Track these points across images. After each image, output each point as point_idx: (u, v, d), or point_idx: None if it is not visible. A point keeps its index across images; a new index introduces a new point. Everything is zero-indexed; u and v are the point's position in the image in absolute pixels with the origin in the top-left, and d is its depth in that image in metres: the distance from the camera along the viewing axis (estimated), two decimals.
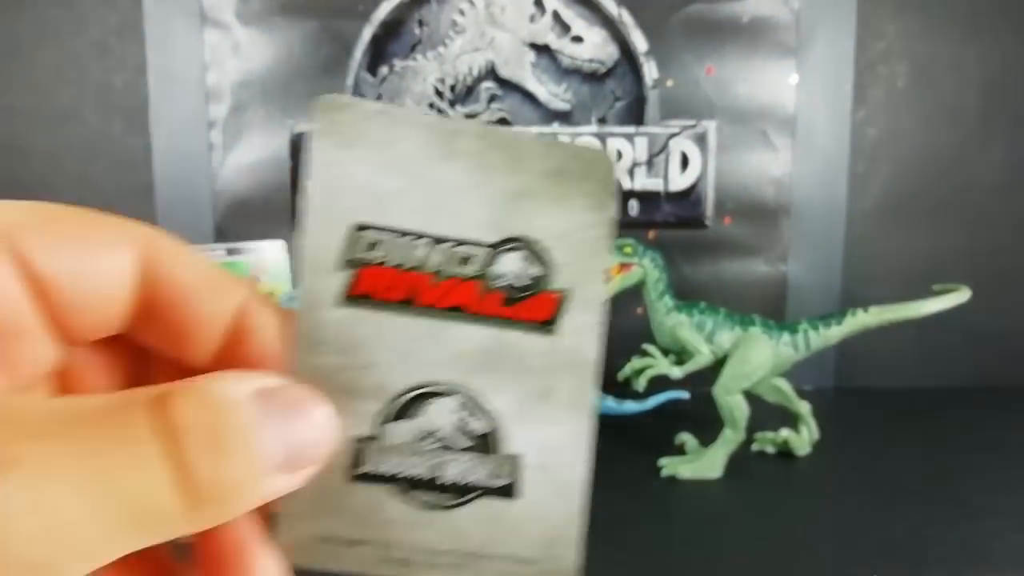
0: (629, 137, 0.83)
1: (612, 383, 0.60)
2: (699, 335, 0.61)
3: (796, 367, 0.63)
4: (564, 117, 0.83)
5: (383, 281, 0.17)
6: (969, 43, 0.83)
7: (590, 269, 0.18)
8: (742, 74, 0.83)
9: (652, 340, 0.64)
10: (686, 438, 0.65)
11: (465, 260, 0.17)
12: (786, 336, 0.62)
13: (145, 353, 0.18)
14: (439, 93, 0.82)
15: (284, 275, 0.67)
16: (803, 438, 0.64)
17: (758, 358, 0.61)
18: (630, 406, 0.70)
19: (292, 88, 0.82)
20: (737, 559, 0.48)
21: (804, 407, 0.64)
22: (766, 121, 0.83)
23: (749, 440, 0.63)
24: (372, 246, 0.17)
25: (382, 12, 0.81)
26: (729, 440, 0.60)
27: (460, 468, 0.17)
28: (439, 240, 0.17)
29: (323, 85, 0.81)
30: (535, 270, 0.18)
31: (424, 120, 0.17)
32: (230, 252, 0.60)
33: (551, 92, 0.82)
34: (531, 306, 0.18)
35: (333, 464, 0.17)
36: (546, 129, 0.83)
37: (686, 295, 0.67)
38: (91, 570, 0.13)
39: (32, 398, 0.16)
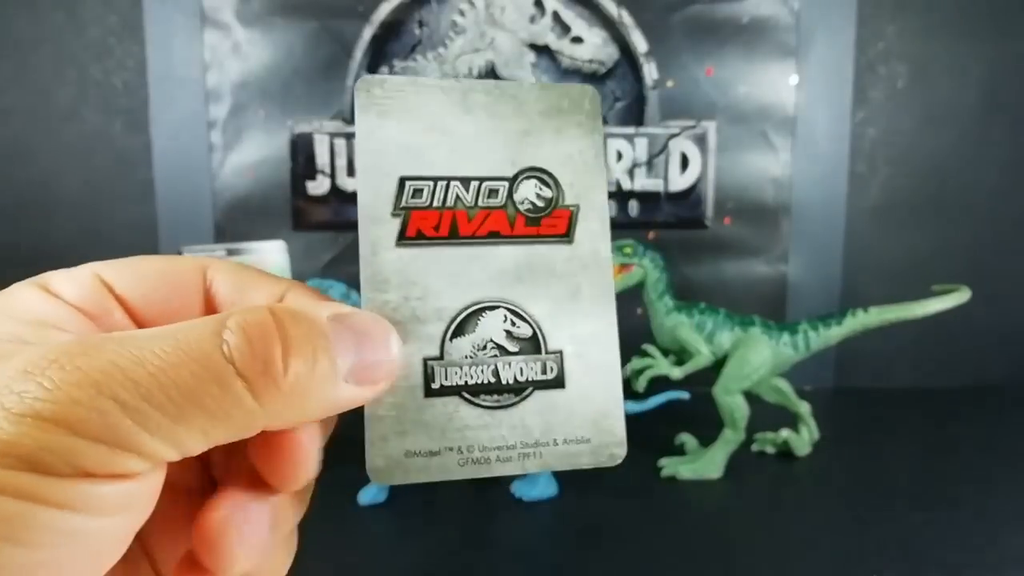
0: (629, 138, 0.83)
1: None
2: (699, 335, 0.61)
3: (796, 367, 0.63)
4: None
5: (429, 221, 0.20)
6: (969, 43, 0.83)
7: (591, 185, 0.22)
8: (742, 74, 0.83)
9: (652, 340, 0.64)
10: (686, 438, 0.65)
11: (492, 193, 0.21)
12: (786, 336, 0.62)
13: None
14: None
15: (284, 275, 0.67)
16: (803, 438, 0.64)
17: (758, 358, 0.61)
18: (630, 406, 0.70)
19: (292, 88, 0.82)
20: (737, 559, 0.48)
21: (804, 407, 0.64)
22: (766, 121, 0.83)
23: (749, 440, 0.63)
24: (416, 193, 0.21)
25: (382, 12, 0.81)
26: (729, 440, 0.60)
27: (515, 369, 0.20)
28: (469, 180, 0.21)
29: (323, 85, 0.81)
30: (548, 192, 0.21)
31: (443, 84, 0.21)
32: (230, 252, 0.60)
33: None
34: (550, 222, 0.21)
35: (408, 384, 0.20)
36: None
37: (686, 295, 0.67)
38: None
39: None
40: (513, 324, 0.20)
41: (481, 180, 0.21)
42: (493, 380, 0.20)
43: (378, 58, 0.82)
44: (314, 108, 0.81)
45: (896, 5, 0.82)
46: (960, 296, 0.61)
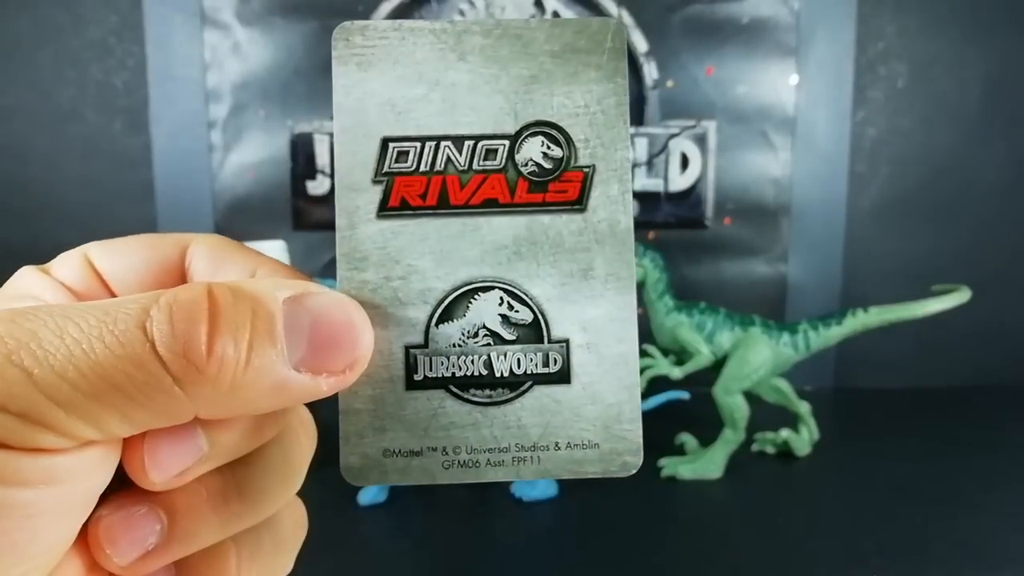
0: (629, 137, 0.83)
1: None
2: (699, 335, 0.61)
3: (796, 367, 0.63)
4: None
5: (415, 188, 0.18)
6: (969, 43, 0.83)
7: (611, 141, 0.18)
8: (742, 74, 0.83)
9: (652, 340, 0.64)
10: (686, 438, 0.65)
11: (490, 154, 0.18)
12: (786, 336, 0.62)
13: None
14: None
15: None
16: (803, 438, 0.64)
17: (758, 358, 0.60)
18: None
19: (292, 88, 0.81)
20: (737, 559, 0.48)
21: (804, 407, 0.64)
22: (766, 121, 0.83)
23: (749, 440, 0.63)
24: (401, 156, 0.18)
25: (382, 12, 0.81)
26: (729, 440, 0.60)
27: (511, 360, 0.18)
28: (462, 139, 0.18)
29: (323, 85, 0.81)
30: (557, 151, 0.18)
31: (433, 27, 0.18)
32: None
33: None
34: (559, 187, 0.18)
35: (388, 376, 0.17)
36: None
37: (686, 295, 0.67)
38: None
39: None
40: (510, 308, 0.18)
41: (477, 139, 0.18)
42: (485, 372, 0.18)
43: None
44: (314, 108, 0.81)
45: (896, 5, 0.82)
46: (960, 296, 0.61)
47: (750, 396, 0.61)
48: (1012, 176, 0.85)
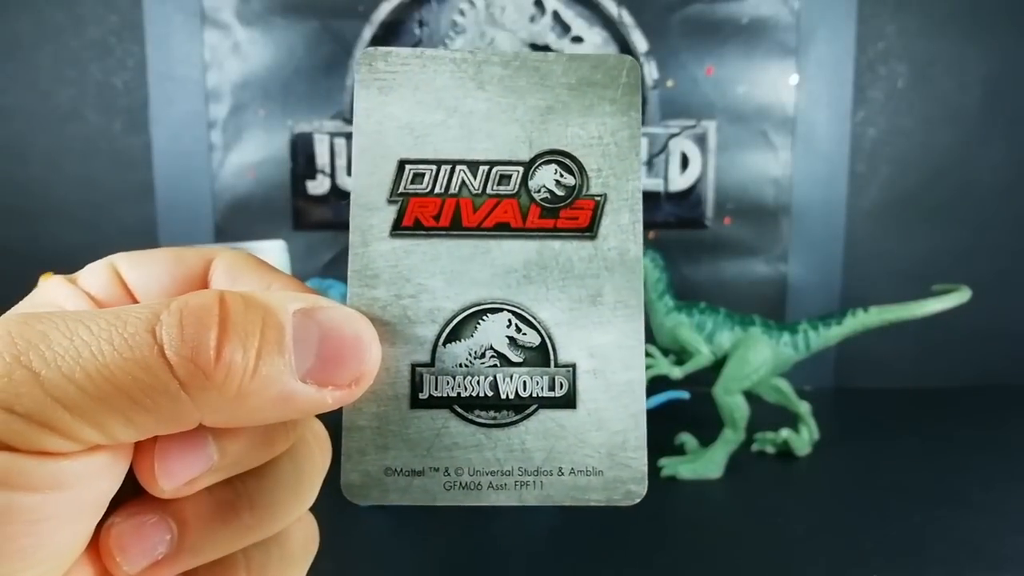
0: None
1: None
2: (699, 335, 0.61)
3: (796, 367, 0.63)
4: None
5: (429, 209, 0.18)
6: (969, 43, 0.83)
7: (622, 172, 0.19)
8: (742, 74, 0.83)
9: (652, 340, 0.64)
10: (686, 438, 0.65)
11: (504, 179, 0.18)
12: (786, 336, 0.62)
13: None
14: None
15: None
16: (803, 438, 0.64)
17: (758, 358, 0.60)
18: None
19: (292, 88, 0.81)
20: (737, 559, 0.48)
21: (804, 407, 0.64)
22: (766, 121, 0.83)
23: (749, 440, 0.63)
24: (417, 178, 0.18)
25: (382, 12, 0.81)
26: (729, 440, 0.60)
27: (517, 383, 0.18)
28: (477, 164, 0.18)
29: (323, 85, 0.81)
30: (570, 179, 0.18)
31: (454, 56, 0.19)
32: None
33: None
34: (570, 214, 0.18)
35: (393, 393, 0.17)
36: None
37: (686, 295, 0.67)
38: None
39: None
40: (518, 330, 0.18)
41: (491, 164, 0.18)
42: (490, 394, 0.18)
43: None
44: (314, 108, 0.81)
45: (896, 5, 0.82)
46: (960, 296, 0.61)
47: (750, 396, 0.61)
48: (1012, 176, 0.85)
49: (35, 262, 0.56)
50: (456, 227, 0.18)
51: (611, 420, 0.18)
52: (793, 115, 0.83)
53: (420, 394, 0.18)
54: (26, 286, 0.50)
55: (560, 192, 0.18)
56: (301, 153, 0.82)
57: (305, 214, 0.83)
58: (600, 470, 0.18)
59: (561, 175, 0.18)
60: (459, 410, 0.18)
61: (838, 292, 0.85)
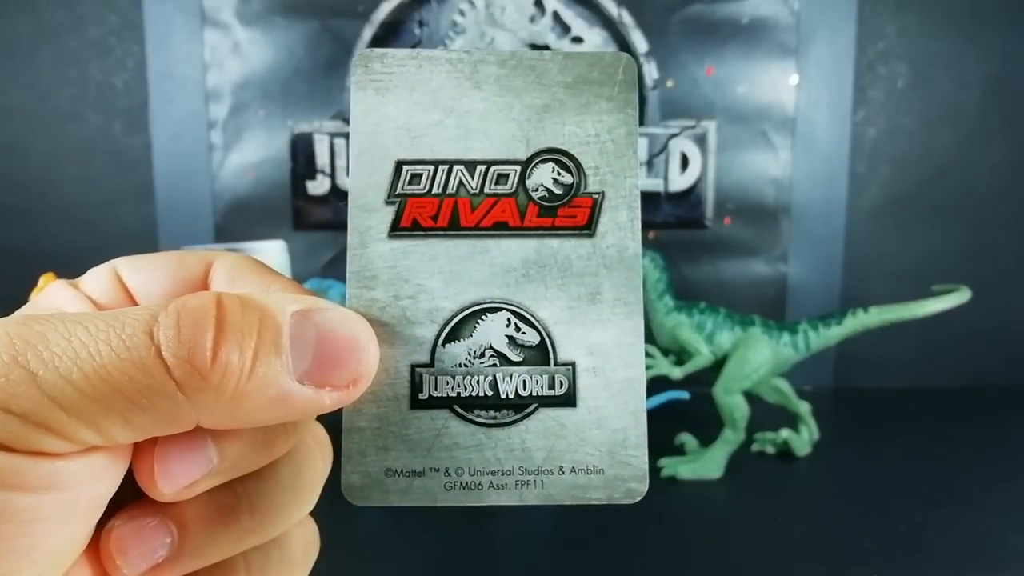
0: None
1: None
2: (699, 335, 0.61)
3: (796, 367, 0.63)
4: None
5: (427, 210, 0.18)
6: (969, 43, 0.83)
7: (620, 169, 0.19)
8: (742, 74, 0.83)
9: (652, 340, 0.64)
10: (686, 438, 0.65)
11: (501, 178, 0.18)
12: (786, 336, 0.62)
13: None
14: None
15: (284, 275, 0.67)
16: (803, 438, 0.64)
17: (758, 358, 0.61)
18: None
19: (292, 88, 0.81)
20: (737, 559, 0.48)
21: (804, 407, 0.64)
22: (766, 121, 0.83)
23: (749, 440, 0.63)
24: (414, 179, 0.18)
25: (382, 12, 0.81)
26: (729, 440, 0.60)
27: (517, 382, 0.18)
28: (474, 164, 0.18)
29: (323, 85, 0.81)
30: (567, 178, 0.18)
31: (450, 56, 0.19)
32: (230, 252, 0.60)
33: None
34: (568, 213, 0.18)
35: (393, 394, 0.17)
36: None
37: (686, 295, 0.67)
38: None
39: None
40: (517, 329, 0.18)
41: (489, 164, 0.18)
42: (490, 393, 0.18)
43: None
44: (314, 108, 0.81)
45: (896, 5, 0.82)
46: (960, 296, 0.61)
47: (750, 396, 0.61)
48: (1012, 176, 0.85)
49: (35, 262, 0.56)
50: (454, 227, 0.18)
51: (611, 418, 0.18)
52: (793, 115, 0.83)
53: (420, 394, 0.18)
54: (26, 286, 0.50)
55: (558, 190, 0.18)
56: (301, 153, 0.82)
57: (305, 214, 0.83)
58: (601, 468, 0.18)
59: (559, 173, 0.18)
60: (459, 410, 0.18)
61: (838, 292, 0.85)
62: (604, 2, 0.81)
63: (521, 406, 0.18)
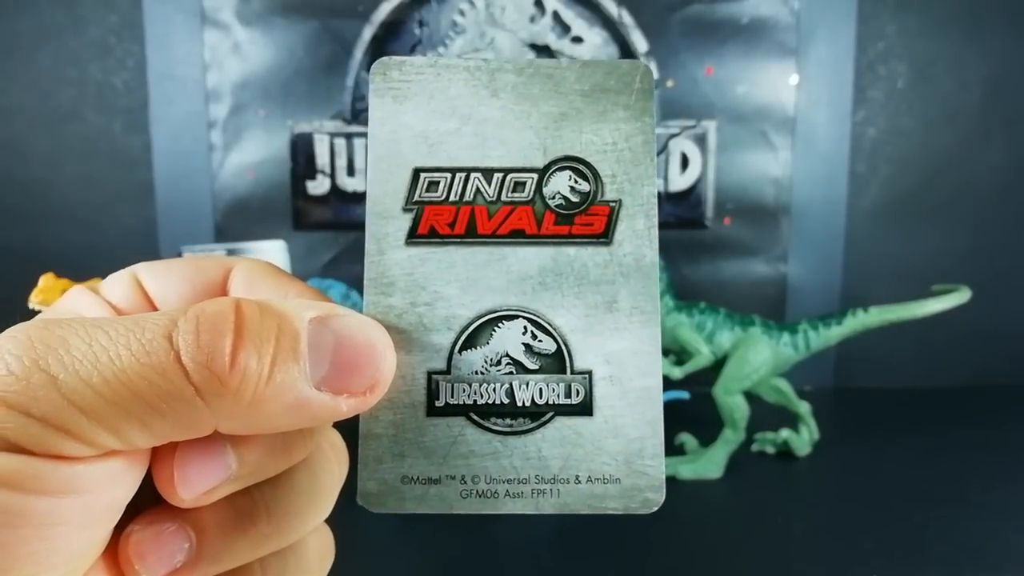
0: None
1: None
2: (699, 335, 0.61)
3: (796, 367, 0.63)
4: None
5: (444, 217, 0.18)
6: (969, 43, 0.83)
7: (637, 177, 0.19)
8: (742, 74, 0.83)
9: None
10: (686, 438, 0.65)
11: (518, 186, 0.18)
12: (786, 336, 0.62)
13: None
14: None
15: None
16: (803, 438, 0.64)
17: (758, 358, 0.60)
18: None
19: (292, 88, 0.81)
20: (737, 559, 0.48)
21: (804, 407, 0.64)
22: (766, 121, 0.83)
23: (749, 440, 0.63)
24: (432, 186, 0.18)
25: (382, 12, 0.81)
26: (729, 440, 0.60)
27: (533, 390, 0.18)
28: (491, 172, 0.18)
29: (323, 85, 0.81)
30: (584, 185, 0.18)
31: (468, 64, 0.19)
32: (230, 252, 0.60)
33: None
34: (585, 220, 0.18)
35: (410, 401, 0.17)
36: None
37: (686, 295, 0.67)
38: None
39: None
40: (534, 337, 0.18)
41: (506, 171, 0.18)
42: (507, 401, 0.18)
43: (378, 58, 0.81)
44: (314, 108, 0.81)
45: (896, 5, 0.82)
46: (960, 296, 0.61)
47: (750, 396, 0.61)
48: (1012, 176, 0.85)
49: (35, 262, 0.56)
50: (471, 234, 0.18)
51: (628, 427, 0.18)
52: (793, 115, 0.83)
53: (436, 402, 0.18)
54: (26, 286, 0.50)
55: (575, 198, 0.18)
56: (301, 153, 0.82)
57: (305, 214, 0.83)
58: (617, 478, 0.18)
59: (576, 181, 0.18)
60: (475, 417, 0.18)
61: (838, 292, 0.85)
62: (604, 2, 0.81)
63: (537, 414, 0.18)
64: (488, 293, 0.18)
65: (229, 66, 0.81)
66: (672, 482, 0.60)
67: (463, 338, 0.18)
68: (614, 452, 0.18)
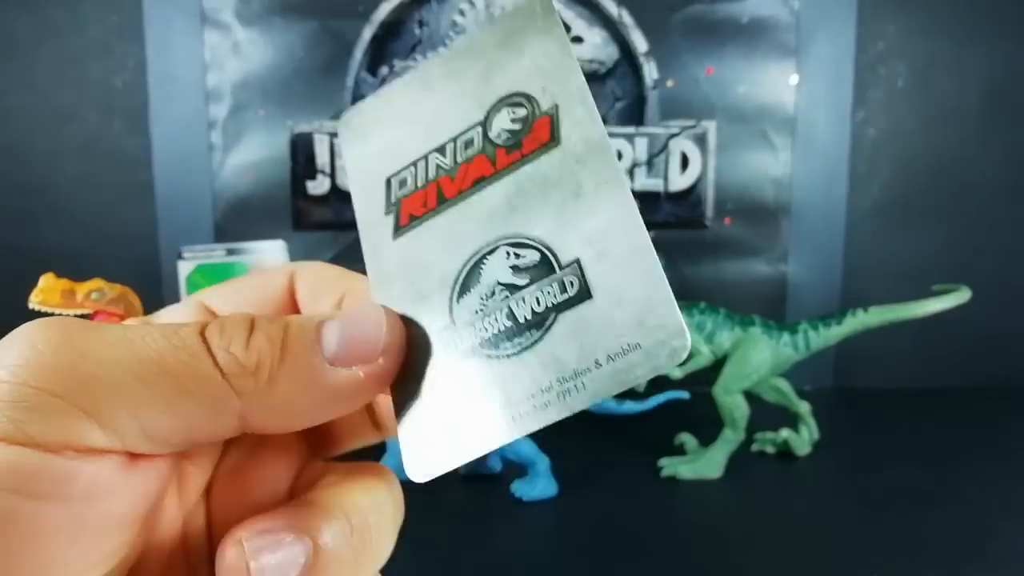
0: (629, 137, 0.83)
1: None
2: (699, 335, 0.61)
3: (796, 367, 0.63)
4: None
5: (416, 202, 0.20)
6: (969, 43, 0.83)
7: (563, 78, 0.19)
8: (742, 74, 0.83)
9: None
10: (686, 438, 0.65)
11: (468, 144, 0.20)
12: (786, 336, 0.62)
13: None
14: None
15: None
16: (803, 438, 0.64)
17: (758, 358, 0.61)
18: (630, 406, 0.70)
19: (292, 88, 0.82)
20: (737, 559, 0.48)
21: (804, 407, 0.64)
22: (766, 121, 0.83)
23: (749, 440, 0.63)
24: (402, 184, 0.20)
25: (382, 12, 0.81)
26: (729, 440, 0.60)
27: (530, 302, 0.18)
28: (444, 146, 0.20)
29: (323, 85, 0.81)
30: (522, 112, 0.19)
31: (404, 79, 0.21)
32: (230, 252, 0.60)
33: None
34: (532, 138, 0.19)
35: (424, 365, 0.18)
36: None
37: (686, 295, 0.67)
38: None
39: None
40: (517, 256, 0.18)
41: (455, 139, 0.20)
42: (509, 324, 0.18)
43: (378, 58, 0.82)
44: (314, 108, 0.81)
45: (896, 5, 0.82)
46: (960, 296, 0.61)
47: (750, 396, 0.61)
48: (1012, 176, 0.85)
49: (35, 262, 0.56)
50: (441, 203, 0.19)
51: (629, 289, 0.17)
52: (793, 115, 0.83)
53: (450, 354, 0.18)
54: (26, 286, 0.50)
55: (517, 126, 0.19)
56: (301, 153, 0.82)
57: (305, 214, 0.83)
58: (636, 343, 0.17)
59: (513, 112, 0.19)
60: (487, 352, 0.18)
61: (838, 292, 0.85)
62: (604, 2, 0.81)
63: (540, 322, 0.18)
64: (468, 241, 0.19)
65: (229, 66, 0.81)
66: (672, 482, 0.60)
67: (457, 289, 0.19)
68: (624, 320, 0.17)
